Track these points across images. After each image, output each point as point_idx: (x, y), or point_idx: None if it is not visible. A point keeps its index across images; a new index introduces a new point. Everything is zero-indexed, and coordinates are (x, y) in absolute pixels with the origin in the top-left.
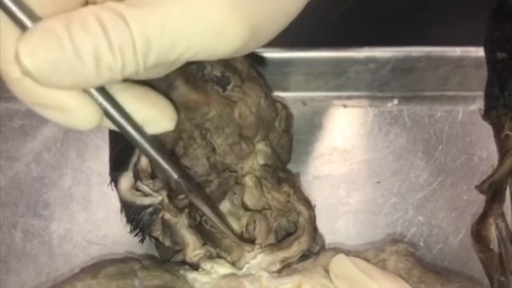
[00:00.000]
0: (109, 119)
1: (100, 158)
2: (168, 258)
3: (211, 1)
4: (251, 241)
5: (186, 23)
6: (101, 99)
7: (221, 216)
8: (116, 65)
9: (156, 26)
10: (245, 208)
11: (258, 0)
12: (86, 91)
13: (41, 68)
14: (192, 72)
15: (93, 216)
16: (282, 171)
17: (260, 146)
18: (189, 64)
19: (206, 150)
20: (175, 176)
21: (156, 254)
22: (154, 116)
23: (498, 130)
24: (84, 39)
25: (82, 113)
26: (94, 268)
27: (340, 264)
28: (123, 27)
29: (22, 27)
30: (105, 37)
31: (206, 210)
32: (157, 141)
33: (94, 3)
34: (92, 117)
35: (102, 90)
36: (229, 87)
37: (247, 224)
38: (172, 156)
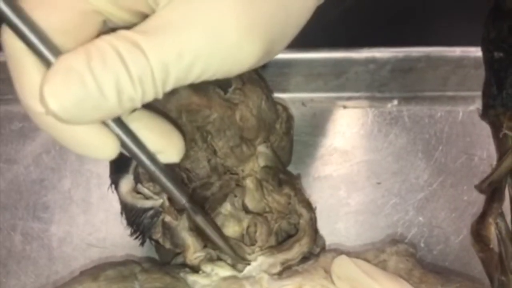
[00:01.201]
0: (124, 148)
1: (99, 160)
2: (168, 261)
3: (225, 24)
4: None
5: (202, 47)
6: (118, 130)
7: (226, 239)
8: (136, 95)
9: (173, 53)
10: (246, 210)
11: (270, 17)
12: (103, 122)
13: (66, 109)
14: None
15: (93, 219)
16: (283, 173)
17: (261, 148)
18: None
19: (207, 152)
20: (183, 200)
21: (156, 256)
22: (165, 147)
23: (496, 129)
24: (105, 74)
25: (103, 146)
26: (94, 271)
27: (342, 265)
28: (141, 58)
29: (43, 60)
30: (125, 69)
31: (212, 233)
32: (167, 167)
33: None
34: (112, 149)
35: (119, 120)
36: (230, 90)
37: (248, 227)
38: (181, 182)
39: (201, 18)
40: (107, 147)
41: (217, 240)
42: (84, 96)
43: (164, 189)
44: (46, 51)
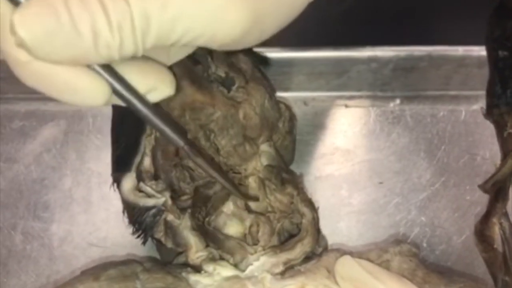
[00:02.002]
0: (115, 94)
1: (100, 159)
2: (170, 260)
3: None
4: (256, 198)
5: (187, 3)
6: (106, 75)
7: (229, 179)
8: (114, 42)
9: (157, 4)
10: (248, 210)
11: None
12: (91, 69)
13: (35, 38)
14: (198, 73)
15: (94, 218)
16: (286, 172)
17: (264, 147)
18: (194, 65)
19: (210, 151)
20: (182, 143)
21: (157, 256)
22: (156, 84)
23: (500, 129)
24: (82, 12)
25: (92, 90)
26: (95, 271)
27: (346, 265)
28: (121, 3)
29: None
30: (104, 11)
31: (213, 173)
32: (162, 110)
33: None
34: (102, 92)
35: (107, 66)
36: (233, 88)
37: (250, 226)
38: (177, 124)
39: None
40: (97, 92)
41: (220, 179)
42: (56, 28)
43: (160, 132)
44: None
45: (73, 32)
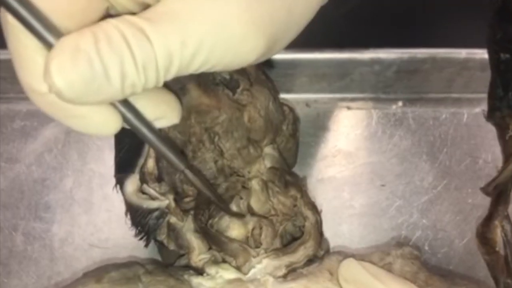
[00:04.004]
0: (124, 121)
1: (102, 160)
2: (171, 262)
3: (230, 16)
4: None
5: (206, 37)
6: (121, 107)
7: (225, 202)
8: (139, 81)
9: (178, 41)
10: (251, 212)
11: (273, 13)
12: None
13: (72, 87)
14: (203, 75)
15: (95, 219)
16: (289, 175)
17: (268, 149)
18: None
19: (214, 154)
20: (182, 167)
21: (159, 257)
22: (165, 113)
23: (502, 131)
24: (111, 57)
25: (106, 123)
26: (97, 273)
27: (350, 268)
28: (146, 44)
29: (45, 43)
30: (130, 54)
31: (209, 194)
32: (164, 134)
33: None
34: (115, 123)
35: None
36: (238, 90)
37: (253, 229)
38: (178, 149)
39: (207, 8)
40: (111, 123)
41: (219, 204)
42: (91, 76)
43: (162, 156)
44: (48, 34)
45: (104, 78)
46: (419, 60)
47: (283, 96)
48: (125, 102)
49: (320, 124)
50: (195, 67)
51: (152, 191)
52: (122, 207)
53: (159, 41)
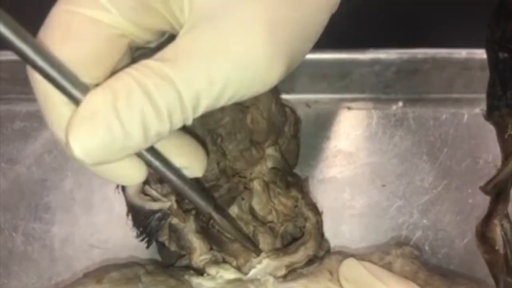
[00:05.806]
0: (151, 168)
1: None
2: (172, 262)
3: (254, 50)
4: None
5: (232, 74)
6: (147, 156)
7: (251, 240)
8: (164, 129)
9: (204, 82)
10: (253, 213)
11: (293, 39)
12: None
13: (91, 155)
14: None
15: (95, 220)
16: (291, 176)
17: (270, 151)
18: None
19: (217, 155)
20: (210, 209)
21: (159, 257)
22: (191, 163)
23: (501, 131)
24: (132, 115)
25: (132, 173)
26: (98, 273)
27: (351, 268)
28: (169, 91)
29: (72, 99)
30: (153, 107)
31: (236, 234)
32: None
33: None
34: (140, 172)
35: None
36: None
37: (254, 229)
38: (205, 190)
39: (230, 45)
40: (135, 174)
41: (246, 244)
42: (110, 140)
43: (191, 201)
44: (74, 89)
45: (125, 138)
46: (420, 60)
47: (284, 96)
48: (151, 149)
49: (321, 125)
50: (223, 102)
51: (154, 193)
52: (122, 208)
53: (185, 83)
